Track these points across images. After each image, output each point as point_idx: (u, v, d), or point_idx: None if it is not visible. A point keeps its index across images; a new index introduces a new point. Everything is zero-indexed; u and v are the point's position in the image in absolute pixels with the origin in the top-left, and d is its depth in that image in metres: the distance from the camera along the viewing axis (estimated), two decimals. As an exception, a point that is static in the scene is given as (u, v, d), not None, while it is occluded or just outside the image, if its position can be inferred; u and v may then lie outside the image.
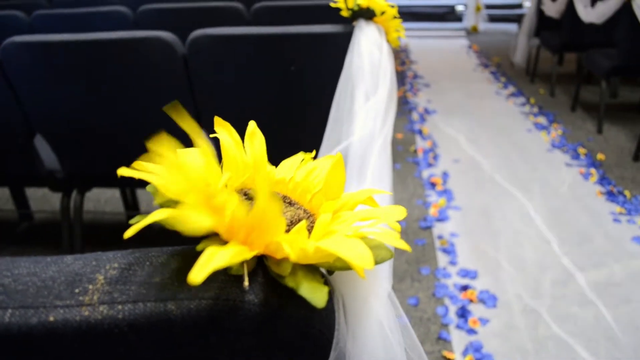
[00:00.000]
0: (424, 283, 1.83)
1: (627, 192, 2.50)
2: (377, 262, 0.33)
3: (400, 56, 5.82)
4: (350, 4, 1.25)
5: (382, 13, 1.25)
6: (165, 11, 2.41)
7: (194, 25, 2.34)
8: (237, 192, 0.37)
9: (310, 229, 0.36)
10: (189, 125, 0.35)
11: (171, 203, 0.35)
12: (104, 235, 2.24)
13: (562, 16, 4.10)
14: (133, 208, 2.27)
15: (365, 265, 0.30)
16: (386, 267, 0.44)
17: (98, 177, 1.78)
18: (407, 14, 8.83)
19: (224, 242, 0.33)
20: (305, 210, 0.38)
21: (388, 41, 1.31)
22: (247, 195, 0.37)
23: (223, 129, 0.38)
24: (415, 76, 4.88)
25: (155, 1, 3.00)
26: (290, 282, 0.32)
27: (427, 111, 3.78)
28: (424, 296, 1.76)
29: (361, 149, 1.10)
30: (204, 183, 0.33)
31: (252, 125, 0.40)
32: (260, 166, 0.38)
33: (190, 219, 0.31)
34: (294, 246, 0.31)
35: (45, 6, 3.33)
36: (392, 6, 1.27)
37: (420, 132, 3.35)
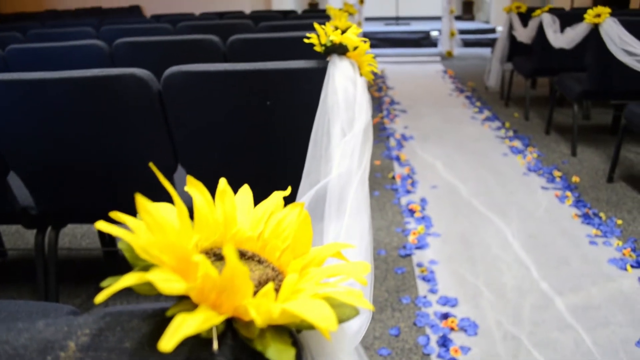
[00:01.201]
0: (405, 312, 1.83)
1: (602, 214, 2.54)
2: (341, 321, 0.34)
3: (377, 82, 5.89)
4: (323, 40, 1.27)
5: (355, 48, 1.28)
6: (142, 44, 2.42)
7: (170, 59, 2.35)
8: (207, 252, 0.38)
9: (278, 288, 0.36)
10: (167, 184, 0.36)
11: (143, 262, 0.36)
12: (79, 271, 2.21)
13: (533, 42, 4.20)
14: (110, 243, 2.25)
15: (329, 327, 0.30)
16: (356, 322, 0.44)
17: (73, 214, 1.76)
18: (384, 40, 8.97)
19: (194, 305, 0.33)
20: (274, 268, 0.39)
21: (362, 75, 1.33)
22: (217, 256, 0.38)
23: (195, 188, 0.39)
24: (392, 102, 4.94)
25: (131, 35, 3.01)
26: (258, 345, 0.32)
27: (404, 137, 3.83)
28: (405, 326, 1.77)
29: (339, 186, 1.11)
30: (178, 245, 0.34)
31: (222, 184, 0.40)
32: (231, 225, 0.39)
33: (162, 284, 0.31)
34: (260, 310, 0.31)
35: (21, 40, 3.33)
36: (365, 41, 1.29)
37: (398, 158, 3.38)
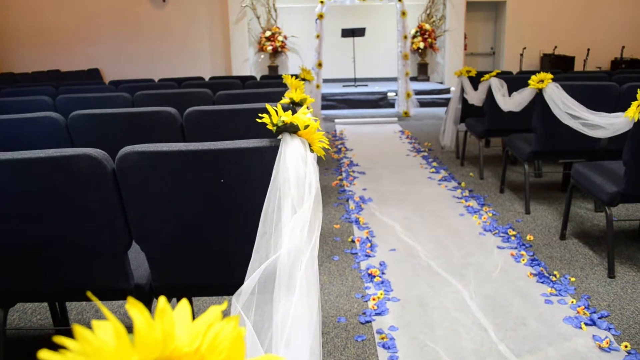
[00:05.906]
0: (365, 382, 1.82)
1: (556, 272, 2.60)
2: None
3: (337, 144, 6.00)
4: (275, 120, 1.31)
5: (306, 127, 1.32)
6: (98, 117, 2.43)
7: (128, 131, 2.36)
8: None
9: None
10: (105, 310, 0.37)
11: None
12: (30, 352, 2.13)
13: (483, 104, 4.37)
14: (62, 321, 2.18)
15: None
16: None
17: (23, 294, 1.72)
18: (342, 102, 9.18)
19: None
20: (209, 384, 0.40)
21: (313, 151, 1.37)
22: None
23: (135, 308, 0.40)
24: (351, 164, 5.02)
25: (89, 104, 3.02)
26: None
27: (363, 200, 3.88)
28: (366, 396, 1.75)
29: (289, 263, 1.13)
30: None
31: (162, 302, 0.42)
32: (169, 342, 0.40)
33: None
34: None
35: (-25, 111, 3.30)
36: (315, 120, 1.34)
37: (357, 221, 3.42)
